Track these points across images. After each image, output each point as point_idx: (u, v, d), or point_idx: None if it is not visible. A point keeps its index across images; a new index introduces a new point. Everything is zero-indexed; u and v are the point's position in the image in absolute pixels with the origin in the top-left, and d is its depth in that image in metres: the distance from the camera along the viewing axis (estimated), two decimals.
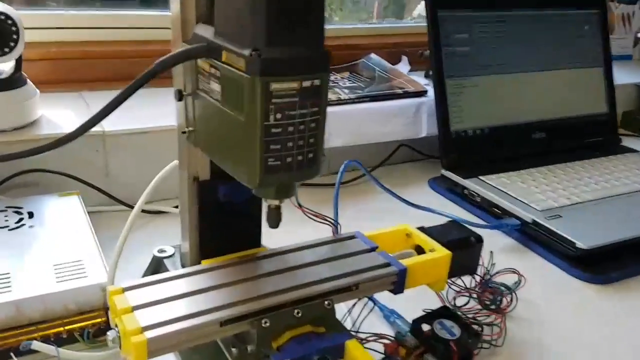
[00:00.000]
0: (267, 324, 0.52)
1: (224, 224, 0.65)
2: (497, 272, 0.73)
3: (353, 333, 0.57)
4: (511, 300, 0.69)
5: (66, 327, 0.60)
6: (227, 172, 0.52)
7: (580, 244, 0.80)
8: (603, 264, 0.81)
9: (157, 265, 0.71)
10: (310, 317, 0.54)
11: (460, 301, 0.72)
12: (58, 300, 0.60)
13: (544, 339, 0.69)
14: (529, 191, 0.96)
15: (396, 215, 0.75)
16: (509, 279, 0.73)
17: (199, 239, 0.64)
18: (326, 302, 0.55)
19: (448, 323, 0.58)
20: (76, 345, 0.61)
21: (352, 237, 0.65)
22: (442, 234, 0.66)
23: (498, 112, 1.11)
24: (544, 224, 0.85)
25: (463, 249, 0.65)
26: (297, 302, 0.54)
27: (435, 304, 0.71)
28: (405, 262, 0.61)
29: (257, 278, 0.57)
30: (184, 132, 0.58)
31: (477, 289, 0.71)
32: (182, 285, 0.54)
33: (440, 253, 0.63)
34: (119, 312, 0.50)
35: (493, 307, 0.68)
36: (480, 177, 1.01)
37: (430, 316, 0.60)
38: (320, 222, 0.63)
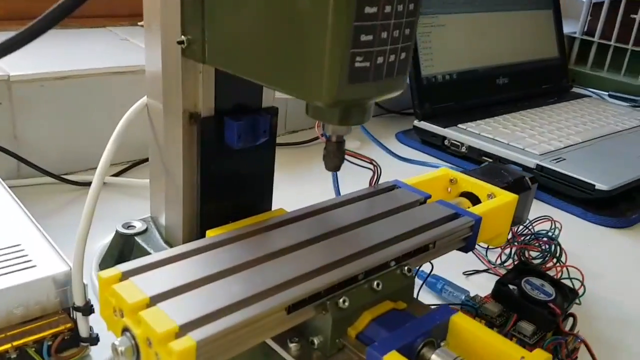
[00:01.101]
0: (347, 304, 0.37)
1: (232, 181, 0.48)
2: (533, 221, 0.63)
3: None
4: (560, 251, 0.60)
5: (14, 343, 0.41)
6: (270, 87, 0.36)
7: (600, 186, 0.73)
8: (619, 207, 0.75)
9: (124, 246, 0.52)
10: (390, 291, 0.40)
11: (493, 257, 0.61)
12: None
13: (600, 292, 0.60)
14: (516, 136, 0.88)
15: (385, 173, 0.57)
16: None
17: (200, 202, 0.47)
18: (406, 269, 0.41)
19: (536, 281, 0.47)
20: None
21: (392, 187, 0.51)
22: (489, 176, 0.55)
23: (465, 56, 1.01)
24: (553, 167, 0.77)
25: (521, 192, 0.54)
26: (369, 273, 0.40)
27: (461, 267, 0.60)
28: (474, 210, 0.48)
29: (303, 246, 0.41)
30: (180, 43, 0.40)
31: (518, 242, 0.60)
32: (201, 265, 0.37)
33: (505, 198, 0.51)
34: (131, 307, 0.32)
35: (554, 259, 0.58)
36: (460, 126, 0.91)
37: (513, 275, 0.48)
38: (361, 166, 0.48)
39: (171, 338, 0.30)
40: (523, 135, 0.89)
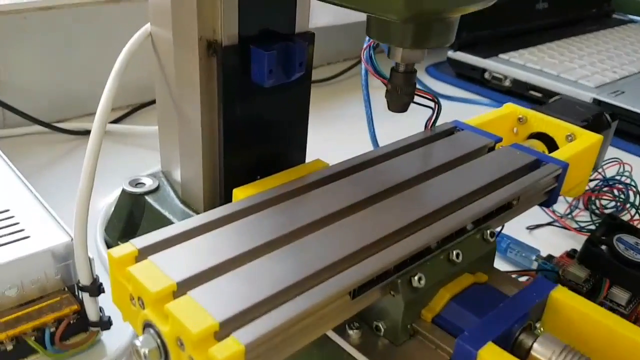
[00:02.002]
0: (423, 282, 0.29)
1: (261, 126, 0.39)
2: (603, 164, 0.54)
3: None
4: (639, 197, 0.52)
5: (10, 332, 0.33)
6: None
7: None
8: None
9: (133, 207, 0.44)
10: (469, 261, 0.32)
11: (557, 207, 0.53)
12: None
13: None
14: (566, 67, 0.78)
15: (415, 115, 0.48)
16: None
17: (223, 153, 0.38)
18: (488, 232, 0.33)
19: (630, 239, 0.39)
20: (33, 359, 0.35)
21: (453, 130, 0.43)
22: (563, 113, 0.46)
23: None
24: (613, 102, 0.68)
25: (601, 131, 0.45)
26: (443, 241, 0.32)
27: (522, 220, 0.52)
28: (557, 156, 0.39)
29: (356, 209, 0.33)
30: None
31: (589, 189, 0.52)
32: (234, 238, 0.29)
33: (589, 139, 0.42)
34: (155, 296, 0.24)
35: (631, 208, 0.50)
36: (501, 56, 0.81)
37: (602, 232, 0.40)
38: (422, 104, 0.39)
39: (210, 339, 0.23)
40: (573, 66, 0.79)
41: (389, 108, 0.31)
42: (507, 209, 0.35)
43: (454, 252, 0.31)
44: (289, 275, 0.26)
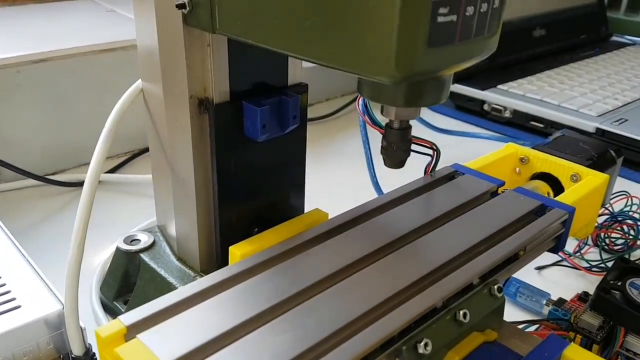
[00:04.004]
0: (429, 348, 0.28)
1: (256, 179, 0.38)
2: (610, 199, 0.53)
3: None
4: None
5: None
6: (308, 59, 0.25)
7: None
8: None
9: (128, 265, 0.43)
10: (477, 319, 0.31)
11: (570, 247, 0.51)
12: None
13: None
14: (566, 95, 0.77)
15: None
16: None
17: (218, 207, 0.37)
18: (496, 288, 0.32)
19: None
20: None
21: (453, 174, 0.42)
22: (566, 151, 0.45)
23: None
24: (616, 131, 0.67)
25: (606, 169, 0.44)
26: (449, 299, 0.30)
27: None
28: (563, 199, 0.38)
29: (357, 267, 0.31)
30: (181, 7, 0.30)
31: (597, 225, 0.51)
32: (230, 307, 0.28)
33: (596, 180, 0.41)
34: None
35: None
36: (500, 87, 0.81)
37: (613, 276, 0.38)
38: (420, 152, 0.38)
39: None
40: (573, 94, 0.78)
41: (385, 164, 0.30)
42: (514, 260, 0.34)
43: (461, 312, 0.29)
44: (289, 349, 0.25)
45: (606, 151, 0.45)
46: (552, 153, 0.44)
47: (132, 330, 0.26)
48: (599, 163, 0.44)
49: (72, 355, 0.33)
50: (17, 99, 0.59)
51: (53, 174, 0.62)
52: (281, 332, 0.26)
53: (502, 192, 0.40)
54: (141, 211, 0.55)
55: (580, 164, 0.42)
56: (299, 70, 0.38)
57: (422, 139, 0.38)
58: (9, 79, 0.58)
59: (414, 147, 0.38)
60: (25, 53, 0.58)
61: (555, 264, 0.50)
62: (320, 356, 0.25)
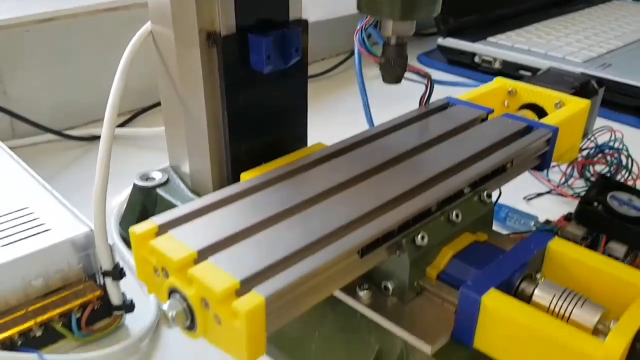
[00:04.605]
0: (425, 240, 0.31)
1: (263, 113, 0.41)
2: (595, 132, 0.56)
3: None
4: (632, 162, 0.53)
5: (38, 319, 0.35)
6: None
7: None
8: None
9: (145, 201, 0.46)
10: (468, 221, 0.34)
11: (553, 177, 0.55)
12: (10, 276, 0.35)
13: None
14: (553, 45, 0.80)
15: (410, 101, 0.49)
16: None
17: (229, 141, 0.40)
18: (485, 194, 0.35)
19: (623, 196, 0.41)
20: (62, 345, 0.37)
21: (446, 105, 0.45)
22: (551, 83, 0.48)
23: None
24: (600, 75, 0.70)
25: (589, 97, 0.47)
26: (442, 204, 0.33)
27: (520, 191, 0.54)
28: (546, 122, 0.41)
29: (359, 180, 0.34)
30: None
31: (582, 156, 0.54)
32: (245, 211, 0.31)
33: (577, 105, 0.44)
34: (178, 264, 0.26)
35: (624, 172, 0.51)
36: (490, 39, 0.83)
37: (596, 192, 0.42)
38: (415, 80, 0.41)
39: (232, 296, 0.24)
40: (559, 44, 0.81)
41: (383, 80, 0.33)
42: (501, 172, 0.37)
43: (454, 212, 0.33)
44: (300, 239, 0.28)
45: (588, 82, 0.48)
46: (538, 84, 0.47)
47: (163, 228, 0.29)
48: (582, 92, 0.47)
49: (102, 270, 0.36)
50: (27, 57, 0.61)
51: (65, 129, 0.64)
52: (292, 228, 0.29)
53: (492, 118, 0.43)
54: (150, 162, 0.57)
55: (564, 93, 0.45)
56: (299, 7, 0.41)
57: (418, 68, 0.41)
58: (17, 38, 0.60)
59: (411, 76, 0.41)
60: (33, 12, 0.60)
61: (544, 193, 0.53)
62: (328, 245, 0.28)
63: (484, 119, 0.43)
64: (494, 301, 0.28)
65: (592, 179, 0.54)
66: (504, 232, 0.49)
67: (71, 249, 0.37)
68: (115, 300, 0.37)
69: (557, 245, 0.32)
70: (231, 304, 0.24)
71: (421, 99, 0.43)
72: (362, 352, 0.32)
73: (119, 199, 0.51)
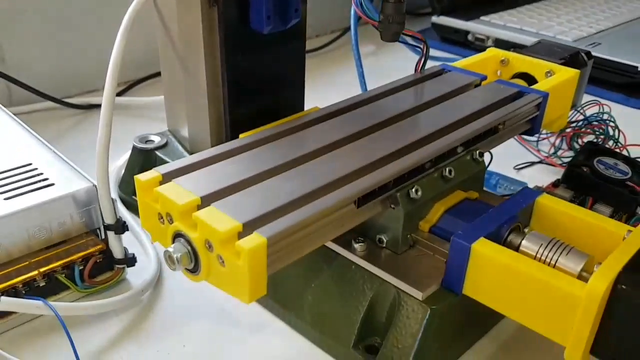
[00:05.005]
0: (419, 194, 0.32)
1: (262, 76, 0.42)
2: (583, 106, 0.57)
3: None
4: (618, 132, 0.55)
5: (42, 269, 0.36)
6: None
7: None
8: None
9: (144, 163, 0.47)
10: (461, 179, 0.35)
11: (543, 147, 0.56)
12: (14, 227, 0.35)
13: None
14: (545, 25, 0.81)
15: (402, 73, 0.49)
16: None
17: (228, 103, 0.41)
18: (477, 153, 0.36)
19: (609, 160, 0.42)
20: (65, 295, 0.38)
21: (441, 71, 0.46)
22: (542, 54, 0.49)
23: None
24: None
25: (579, 68, 0.48)
26: (436, 161, 0.35)
27: (510, 161, 0.55)
28: (537, 88, 0.43)
29: (357, 137, 0.36)
30: None
31: (571, 128, 0.55)
32: (247, 163, 0.32)
33: (567, 73, 0.45)
34: (183, 208, 0.27)
35: (611, 142, 0.53)
36: (483, 18, 0.84)
37: (583, 157, 0.43)
38: (408, 42, 0.42)
39: (235, 237, 0.26)
40: (551, 24, 0.82)
41: (381, 38, 0.34)
42: (493, 133, 0.38)
43: (447, 169, 0.34)
44: (299, 188, 0.29)
45: (578, 53, 0.50)
46: (530, 54, 0.48)
47: (167, 177, 0.30)
48: (571, 62, 0.48)
49: (105, 224, 0.37)
50: (25, 25, 0.61)
51: (65, 97, 0.65)
52: (292, 178, 0.30)
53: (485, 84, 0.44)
54: (148, 129, 0.58)
55: (554, 62, 0.47)
56: None
57: (413, 31, 0.42)
58: (16, 4, 0.60)
59: (407, 39, 0.42)
60: None
61: (533, 163, 0.55)
62: (327, 194, 0.29)
63: (478, 85, 0.44)
64: (483, 248, 0.29)
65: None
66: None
67: (73, 203, 0.38)
68: (117, 253, 0.38)
69: (545, 200, 0.33)
70: (235, 243, 0.25)
71: (417, 64, 0.44)
72: (357, 300, 0.33)
73: (117, 164, 0.52)
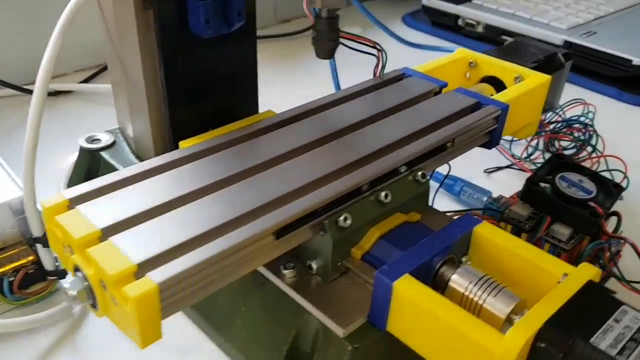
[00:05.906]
0: (349, 222, 0.30)
1: (206, 79, 0.40)
2: (564, 106, 0.55)
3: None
4: (597, 138, 0.52)
5: None
6: None
7: (638, 61, 0.64)
8: None
9: (91, 163, 0.45)
10: (400, 202, 0.33)
11: (518, 150, 0.53)
12: None
13: None
14: (540, 9, 0.77)
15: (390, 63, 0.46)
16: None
17: (168, 106, 0.39)
18: (420, 174, 0.34)
19: (574, 177, 0.40)
20: None
21: (401, 76, 0.43)
22: (515, 56, 0.46)
23: None
24: (583, 43, 0.68)
25: (554, 72, 0.45)
26: (375, 182, 0.33)
27: (481, 164, 0.53)
28: (499, 98, 0.40)
29: (295, 154, 0.34)
30: None
31: (546, 131, 0.53)
32: (167, 185, 0.30)
33: (536, 80, 0.42)
34: (79, 242, 0.26)
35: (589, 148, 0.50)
36: (475, 1, 0.80)
37: (546, 171, 0.40)
38: (362, 51, 0.40)
39: (128, 279, 0.24)
40: (547, 8, 0.78)
41: (316, 55, 0.32)
42: (442, 151, 0.36)
43: (382, 193, 0.32)
44: (212, 219, 0.28)
45: (554, 55, 0.47)
46: (500, 57, 0.45)
47: (75, 202, 0.28)
48: (545, 66, 0.45)
49: (32, 237, 0.36)
50: None
51: (29, 84, 0.63)
52: (208, 207, 0.28)
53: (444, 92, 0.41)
54: (111, 119, 0.56)
55: (524, 67, 0.44)
56: None
57: (366, 38, 0.39)
58: None
59: (359, 47, 0.39)
60: None
61: (504, 167, 0.53)
62: (240, 227, 0.27)
63: (437, 93, 0.41)
64: (405, 287, 0.27)
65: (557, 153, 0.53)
66: (459, 206, 0.48)
67: (6, 212, 0.37)
68: (47, 265, 0.37)
69: (483, 230, 0.31)
70: (122, 288, 0.23)
71: (374, 69, 0.42)
72: (284, 329, 0.31)
73: (70, 160, 0.50)
